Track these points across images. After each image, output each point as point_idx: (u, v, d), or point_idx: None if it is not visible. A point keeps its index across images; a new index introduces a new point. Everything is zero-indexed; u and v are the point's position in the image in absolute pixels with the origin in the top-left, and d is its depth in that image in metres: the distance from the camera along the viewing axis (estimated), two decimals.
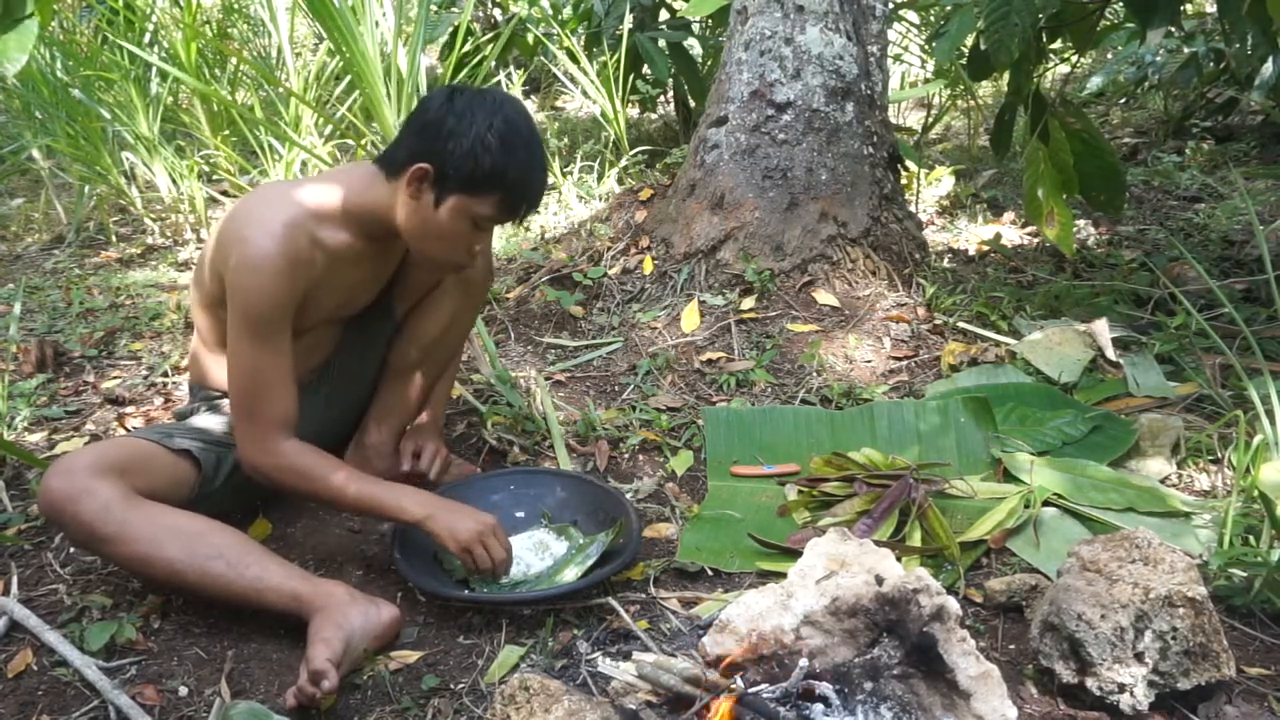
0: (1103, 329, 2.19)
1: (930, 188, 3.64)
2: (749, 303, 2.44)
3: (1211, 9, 4.59)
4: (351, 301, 1.66)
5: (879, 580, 1.14)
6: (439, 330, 1.77)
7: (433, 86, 3.58)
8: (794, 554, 1.38)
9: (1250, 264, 2.66)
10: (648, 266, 2.61)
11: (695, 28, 4.33)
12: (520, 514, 1.68)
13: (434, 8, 4.07)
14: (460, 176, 1.41)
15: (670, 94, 4.59)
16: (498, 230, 3.41)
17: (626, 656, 1.30)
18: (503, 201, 1.44)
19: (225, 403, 1.66)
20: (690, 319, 2.41)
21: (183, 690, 1.28)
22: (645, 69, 4.14)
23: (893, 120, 3.72)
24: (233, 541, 1.38)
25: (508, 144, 1.40)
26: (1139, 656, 1.16)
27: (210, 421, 1.62)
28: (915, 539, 1.54)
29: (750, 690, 1.08)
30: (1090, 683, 1.18)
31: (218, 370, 1.65)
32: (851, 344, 2.29)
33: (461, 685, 1.29)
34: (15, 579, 1.50)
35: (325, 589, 1.36)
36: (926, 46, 4.38)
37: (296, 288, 1.45)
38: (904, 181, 3.04)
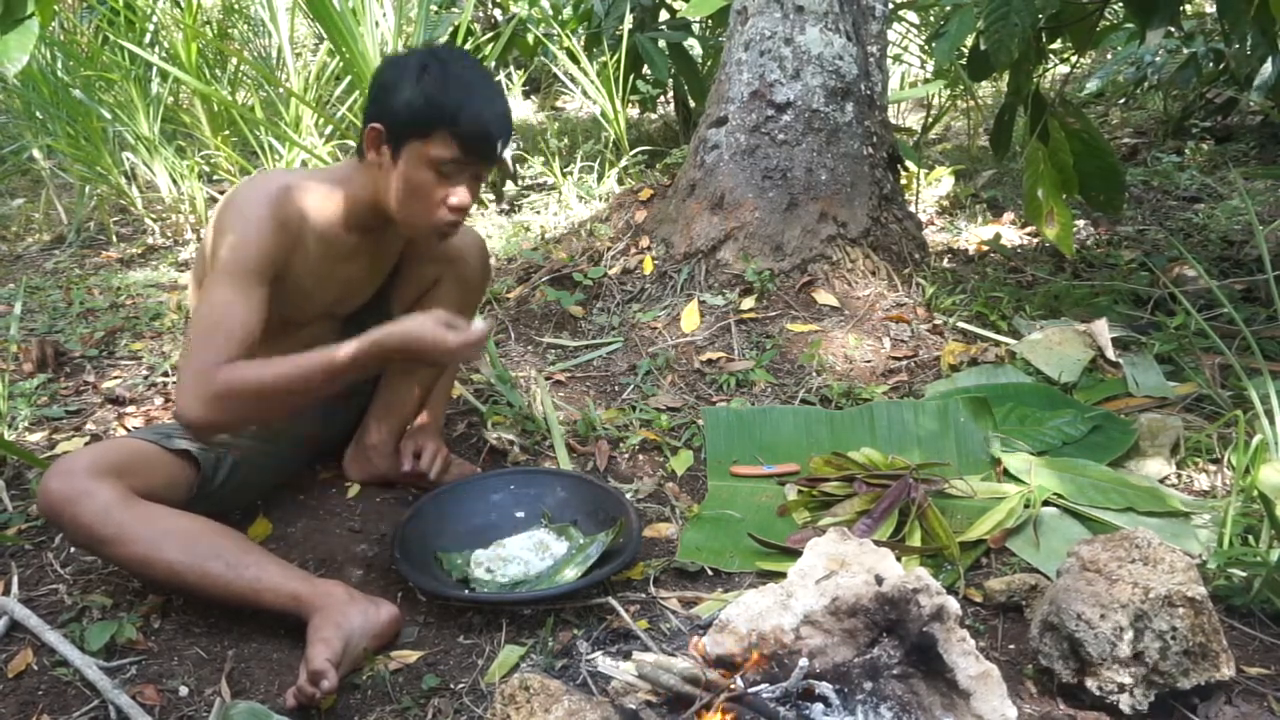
0: (1102, 329, 2.19)
1: (930, 188, 3.64)
2: (749, 303, 2.44)
3: (1211, 9, 4.59)
4: (347, 298, 1.66)
5: (879, 580, 1.14)
6: None
7: None
8: (794, 554, 1.38)
9: (1250, 264, 2.66)
10: (648, 266, 2.61)
11: (695, 28, 4.33)
12: (520, 514, 1.68)
13: (434, 8, 4.07)
14: (405, 123, 1.42)
15: (670, 94, 4.59)
16: (498, 230, 3.41)
17: (626, 656, 1.30)
18: (454, 137, 1.42)
19: None
20: (690, 319, 2.41)
21: (183, 690, 1.28)
22: (645, 69, 4.14)
23: (893, 120, 3.72)
24: (231, 542, 1.38)
25: (444, 80, 1.41)
26: (1138, 656, 1.16)
27: None
28: (915, 539, 1.54)
29: (750, 690, 1.08)
30: (1090, 682, 1.18)
31: None
32: (851, 344, 2.29)
33: (461, 685, 1.29)
34: (15, 579, 1.50)
35: (324, 589, 1.36)
36: (926, 46, 4.39)
37: (281, 246, 1.44)
38: (904, 181, 3.05)
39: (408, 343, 1.39)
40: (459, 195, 1.48)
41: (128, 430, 2.01)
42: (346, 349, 1.38)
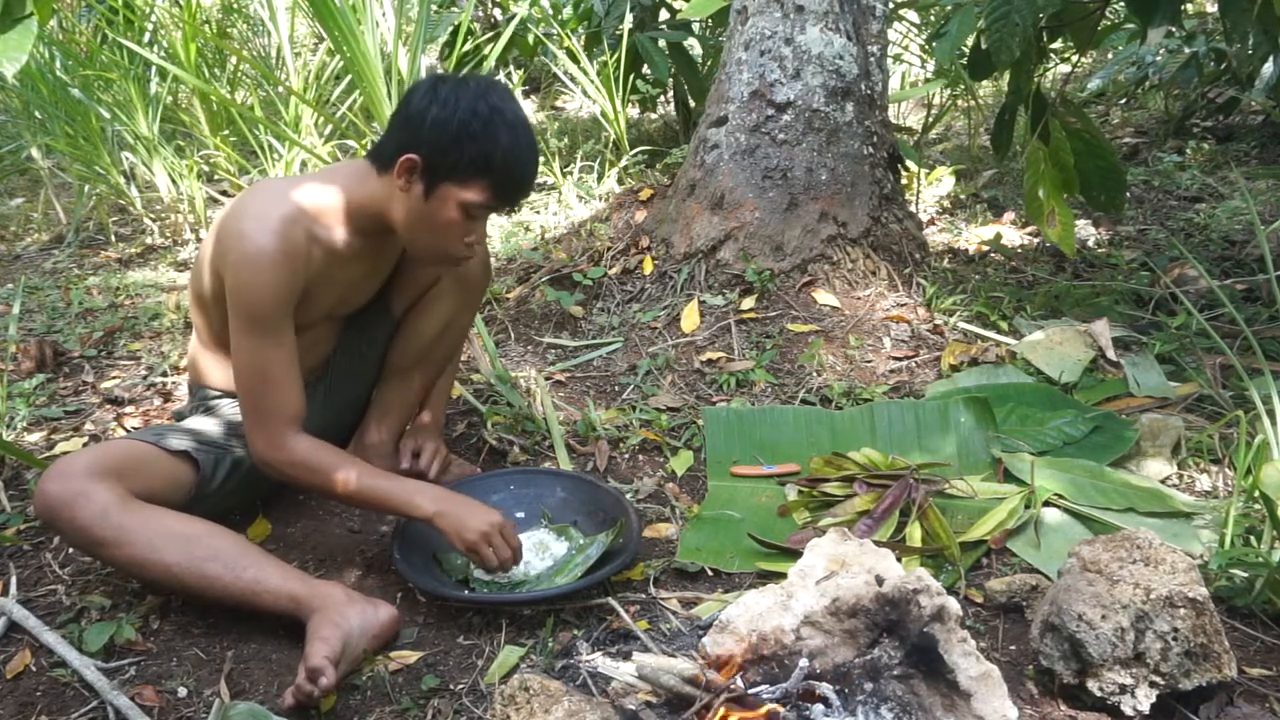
0: (1103, 329, 2.19)
1: (930, 188, 3.63)
2: (749, 303, 2.44)
3: (1212, 8, 4.59)
4: (349, 299, 1.66)
5: (879, 580, 1.14)
6: (437, 329, 1.77)
7: None
8: (794, 554, 1.38)
9: (1251, 264, 2.66)
10: (648, 266, 2.61)
11: (695, 28, 4.32)
12: (520, 514, 1.68)
13: (434, 7, 4.07)
14: (447, 164, 1.40)
15: (670, 94, 4.59)
16: (498, 230, 3.41)
17: (626, 656, 1.30)
18: (492, 186, 1.42)
19: (223, 403, 1.66)
20: (690, 319, 2.41)
21: (182, 691, 1.28)
22: (645, 69, 4.14)
23: (893, 120, 3.71)
24: (229, 544, 1.38)
25: (492, 128, 1.39)
26: (1140, 657, 1.16)
27: (208, 423, 1.62)
28: (915, 539, 1.54)
29: (750, 690, 1.08)
30: (1091, 684, 1.17)
31: (215, 370, 1.65)
32: (851, 344, 2.29)
33: (461, 685, 1.29)
34: (14, 579, 1.50)
35: (322, 590, 1.36)
36: (926, 46, 4.38)
37: (295, 282, 1.45)
38: (904, 181, 3.04)
39: (453, 536, 1.45)
40: (479, 236, 1.50)
41: (127, 430, 2.01)
42: (422, 508, 1.46)
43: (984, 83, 4.75)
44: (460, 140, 1.38)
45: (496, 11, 5.40)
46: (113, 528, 1.32)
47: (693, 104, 4.24)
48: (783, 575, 1.24)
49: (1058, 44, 3.43)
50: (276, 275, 1.41)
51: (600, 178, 3.70)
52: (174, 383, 2.26)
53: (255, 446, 1.47)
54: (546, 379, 2.21)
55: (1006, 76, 2.79)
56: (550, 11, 4.62)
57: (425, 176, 1.42)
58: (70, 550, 1.58)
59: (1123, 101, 4.94)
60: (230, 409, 1.66)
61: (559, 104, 5.64)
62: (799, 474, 1.82)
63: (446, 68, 3.59)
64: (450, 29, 4.20)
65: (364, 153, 1.57)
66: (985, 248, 2.98)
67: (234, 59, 4.01)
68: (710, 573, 1.54)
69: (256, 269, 1.40)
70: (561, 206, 3.57)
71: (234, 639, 1.38)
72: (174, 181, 3.54)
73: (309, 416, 1.68)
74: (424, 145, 1.40)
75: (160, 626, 1.41)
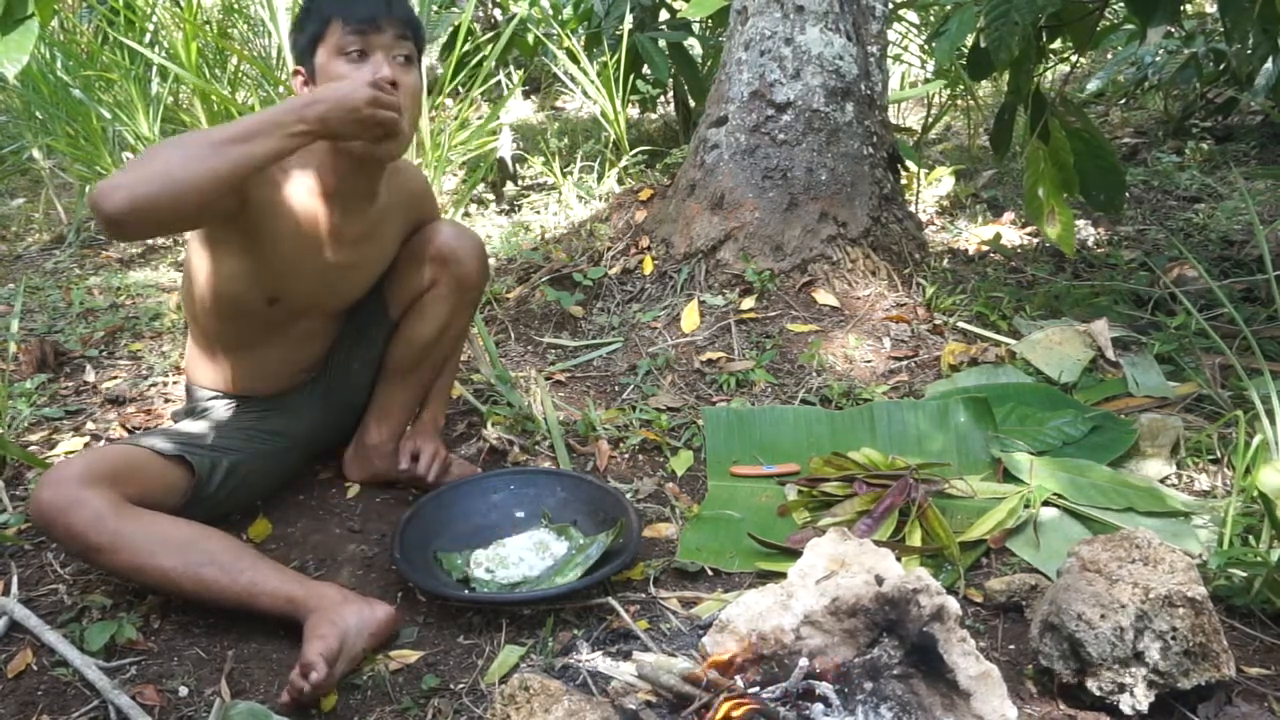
0: (1103, 329, 2.19)
1: (930, 188, 3.64)
2: (749, 303, 2.44)
3: (1212, 8, 4.59)
4: (339, 291, 1.65)
5: (879, 580, 1.14)
6: (435, 330, 1.77)
7: (432, 87, 3.58)
8: (794, 554, 1.38)
9: (1250, 264, 2.66)
10: (648, 266, 2.61)
11: (695, 28, 4.32)
12: (520, 514, 1.68)
13: (434, 8, 4.07)
14: (305, 42, 1.49)
15: (670, 94, 4.59)
16: (498, 230, 3.41)
17: (626, 656, 1.30)
18: (337, 16, 1.45)
19: (217, 405, 1.66)
20: (690, 319, 2.41)
21: (183, 690, 1.28)
22: (645, 69, 4.14)
23: (893, 120, 3.72)
24: (225, 547, 1.38)
25: None
26: (1139, 656, 1.16)
27: (202, 425, 1.62)
28: (915, 539, 1.54)
29: (750, 690, 1.08)
30: (1090, 683, 1.18)
31: (208, 371, 1.65)
32: (851, 344, 2.29)
33: (461, 685, 1.29)
34: (15, 579, 1.50)
35: (319, 590, 1.36)
36: (926, 46, 4.38)
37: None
38: (904, 181, 3.04)
39: (340, 101, 1.34)
40: (380, 70, 1.43)
41: (128, 431, 2.01)
42: (283, 114, 1.32)
43: (983, 83, 4.75)
44: (300, 20, 1.50)
45: (496, 11, 5.40)
46: (108, 534, 1.31)
47: (693, 104, 4.24)
48: (783, 575, 1.24)
49: (1057, 44, 3.43)
50: None
51: (600, 178, 3.70)
52: (175, 382, 2.27)
53: (99, 191, 1.22)
54: (546, 379, 2.21)
55: (1006, 76, 2.79)
56: (550, 11, 4.63)
57: (308, 73, 1.50)
58: None
59: (1122, 102, 4.94)
60: (224, 409, 1.67)
61: (559, 104, 5.64)
62: (799, 474, 1.82)
63: (446, 68, 3.58)
64: (450, 29, 4.20)
65: None
66: (985, 248, 2.98)
67: (235, 59, 4.01)
68: (710, 573, 1.54)
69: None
70: (561, 206, 3.57)
71: (235, 638, 1.39)
72: None
73: (308, 417, 1.68)
74: (294, 57, 1.52)
75: (161, 626, 1.41)
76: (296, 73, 1.51)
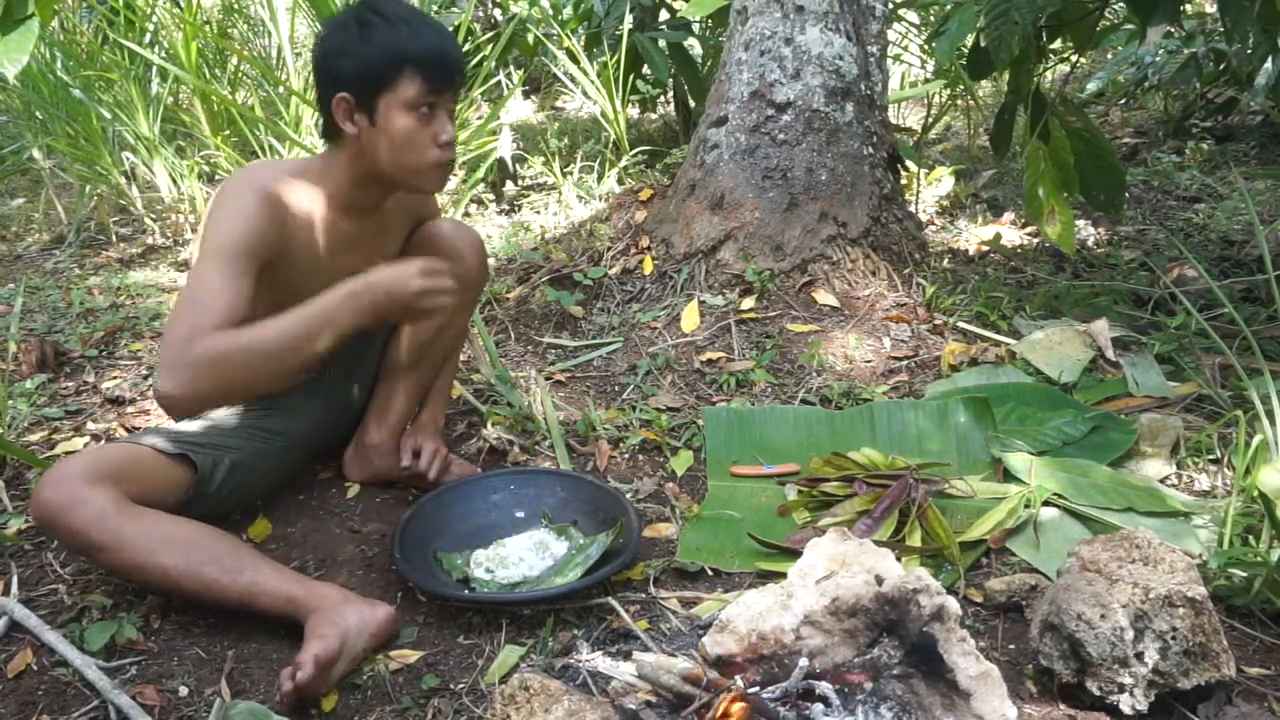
0: (1103, 329, 2.19)
1: (930, 188, 3.64)
2: (749, 303, 2.44)
3: (1212, 8, 4.59)
4: (337, 279, 1.64)
5: (879, 580, 1.14)
6: (435, 329, 1.77)
7: None
8: (794, 554, 1.38)
9: (1250, 264, 2.66)
10: (648, 266, 2.61)
11: (695, 28, 4.32)
12: (520, 514, 1.68)
13: (434, 8, 4.07)
14: (369, 80, 1.42)
15: (670, 94, 4.59)
16: (498, 230, 3.41)
17: (626, 656, 1.30)
18: (417, 71, 1.43)
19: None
20: (690, 319, 2.41)
21: (183, 690, 1.28)
22: (645, 69, 4.14)
23: (893, 120, 3.72)
24: (226, 547, 1.38)
25: (383, 25, 1.41)
26: (1139, 656, 1.16)
27: (204, 424, 1.62)
28: (915, 539, 1.54)
29: (750, 690, 1.08)
30: (1090, 683, 1.18)
31: None
32: (851, 344, 2.29)
33: (461, 685, 1.29)
34: (15, 579, 1.50)
35: (319, 590, 1.36)
36: (926, 46, 4.38)
37: (269, 229, 1.44)
38: (904, 181, 3.04)
39: (391, 292, 1.40)
40: (446, 131, 1.48)
41: (128, 431, 2.01)
42: (336, 304, 1.38)
43: (983, 83, 4.76)
44: (364, 53, 1.41)
45: (496, 11, 5.40)
46: (110, 532, 1.32)
47: (693, 104, 4.24)
48: (783, 575, 1.24)
49: (1057, 44, 3.43)
50: (249, 214, 1.41)
51: (600, 178, 3.70)
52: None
53: (159, 374, 1.32)
54: (546, 379, 2.21)
55: (1006, 76, 2.79)
56: (550, 12, 4.63)
57: (361, 105, 1.45)
58: None
59: (1122, 102, 4.94)
60: (225, 409, 1.66)
61: (559, 104, 5.64)
62: (799, 474, 1.82)
63: None
64: (450, 29, 4.20)
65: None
66: (985, 248, 2.98)
67: (234, 59, 4.01)
68: (710, 573, 1.54)
69: (232, 207, 1.42)
70: (561, 206, 3.57)
71: (235, 638, 1.39)
72: (175, 182, 3.54)
73: (308, 417, 1.68)
74: (343, 82, 1.43)
75: (161, 626, 1.41)
76: (341, 100, 1.44)
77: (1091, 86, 4.76)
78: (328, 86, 1.46)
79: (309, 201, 1.51)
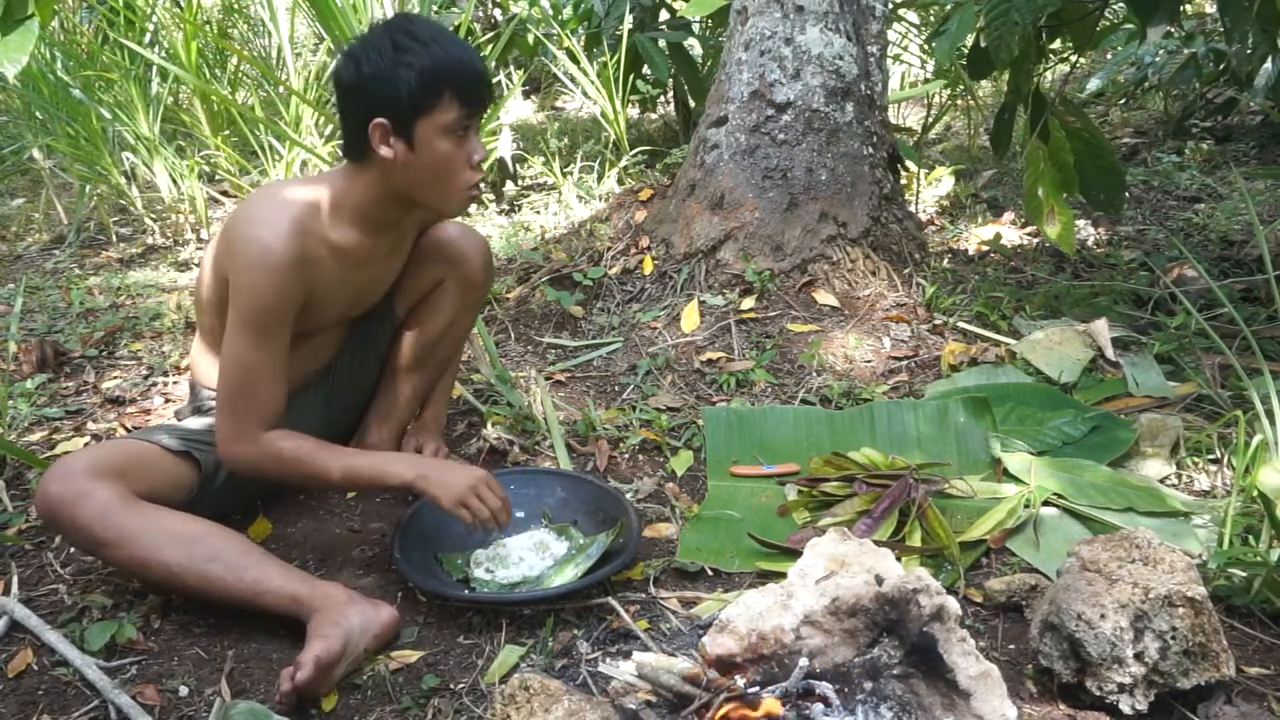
0: (1102, 329, 2.19)
1: (930, 188, 3.64)
2: (749, 303, 2.44)
3: (1211, 9, 4.59)
4: (361, 301, 1.66)
5: (879, 580, 1.14)
6: (439, 330, 1.77)
7: None
8: (794, 554, 1.38)
9: (1250, 264, 2.66)
10: (648, 266, 2.61)
11: (695, 28, 4.32)
12: (520, 514, 1.68)
13: (434, 7, 4.07)
14: (408, 104, 1.40)
15: (670, 94, 4.59)
16: (498, 230, 3.41)
17: (626, 656, 1.30)
18: (456, 95, 1.41)
19: None
20: (690, 319, 2.41)
21: (183, 690, 1.28)
22: (645, 69, 4.14)
23: (893, 120, 3.72)
24: (231, 544, 1.38)
25: (420, 48, 1.39)
26: (1139, 656, 1.16)
27: (208, 423, 1.62)
28: (915, 539, 1.54)
29: (750, 690, 1.08)
30: (1090, 683, 1.18)
31: (217, 370, 1.65)
32: (851, 344, 2.29)
33: (461, 685, 1.29)
34: (15, 579, 1.50)
35: (323, 590, 1.36)
36: (926, 46, 4.38)
37: (302, 287, 1.44)
38: (904, 181, 3.05)
39: (439, 494, 1.45)
40: (478, 151, 1.48)
41: (128, 430, 2.01)
42: (399, 475, 1.47)
43: (983, 83, 4.76)
44: (402, 78, 1.38)
45: (496, 12, 5.40)
46: (114, 528, 1.32)
47: (693, 104, 4.24)
48: (783, 575, 1.24)
49: (1057, 44, 3.43)
50: (285, 279, 1.41)
51: (600, 178, 3.70)
52: (175, 382, 2.27)
53: (223, 444, 1.46)
54: (546, 379, 2.21)
55: (1006, 76, 2.79)
56: (550, 12, 4.63)
57: (399, 130, 1.42)
58: (72, 550, 1.58)
59: (1122, 102, 4.94)
60: None
61: (559, 104, 5.64)
62: (799, 474, 1.82)
63: None
64: (450, 29, 4.19)
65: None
66: (985, 248, 2.98)
67: (235, 59, 4.01)
68: (710, 573, 1.54)
69: (265, 271, 1.39)
70: (561, 206, 3.57)
71: (235, 638, 1.39)
72: (175, 182, 3.54)
73: (310, 417, 1.68)
74: (379, 106, 1.40)
75: (161, 626, 1.41)
76: (378, 125, 1.40)
77: (1091, 86, 4.76)
78: (362, 110, 1.41)
79: (332, 231, 1.49)
